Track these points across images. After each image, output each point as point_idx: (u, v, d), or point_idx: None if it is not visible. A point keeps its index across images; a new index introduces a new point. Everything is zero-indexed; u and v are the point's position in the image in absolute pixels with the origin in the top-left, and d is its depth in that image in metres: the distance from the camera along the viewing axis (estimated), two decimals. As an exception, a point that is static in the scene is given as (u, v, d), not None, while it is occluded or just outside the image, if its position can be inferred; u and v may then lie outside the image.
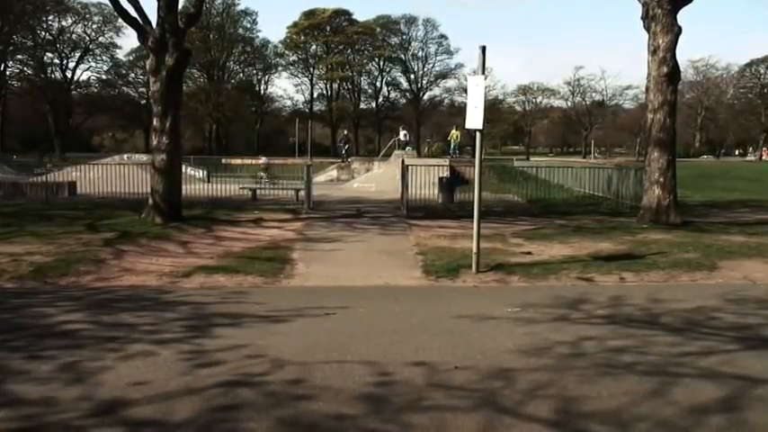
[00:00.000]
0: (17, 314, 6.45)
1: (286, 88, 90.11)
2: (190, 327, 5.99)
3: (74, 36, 68.42)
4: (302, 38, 78.70)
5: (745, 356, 5.17)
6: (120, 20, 16.85)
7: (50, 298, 7.21)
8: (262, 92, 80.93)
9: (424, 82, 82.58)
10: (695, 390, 4.46)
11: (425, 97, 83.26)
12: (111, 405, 4.11)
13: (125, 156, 32.21)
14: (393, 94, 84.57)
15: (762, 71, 77.76)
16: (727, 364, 4.98)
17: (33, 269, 8.49)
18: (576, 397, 4.30)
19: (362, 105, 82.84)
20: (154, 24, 13.18)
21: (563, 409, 4.11)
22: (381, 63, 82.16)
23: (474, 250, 8.82)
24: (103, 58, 71.13)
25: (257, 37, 79.16)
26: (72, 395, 4.27)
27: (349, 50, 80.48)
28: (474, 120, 8.52)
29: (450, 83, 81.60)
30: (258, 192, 19.18)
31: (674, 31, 13.53)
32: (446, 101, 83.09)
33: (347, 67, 79.34)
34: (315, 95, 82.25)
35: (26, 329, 5.86)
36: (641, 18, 14.04)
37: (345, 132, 47.89)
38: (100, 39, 69.38)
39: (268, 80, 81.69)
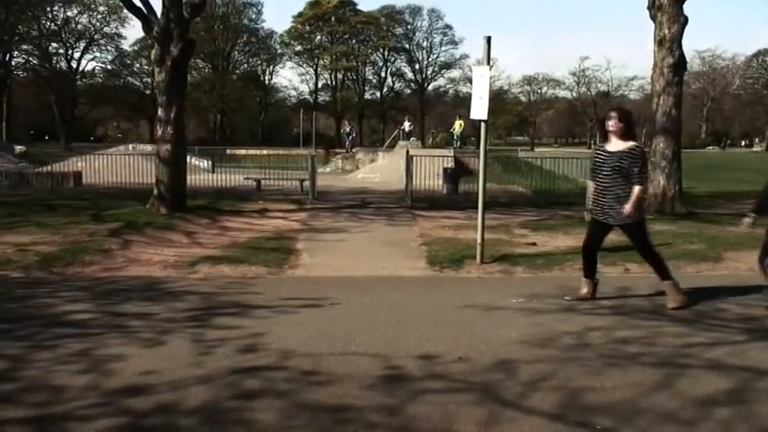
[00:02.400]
0: (23, 304, 6.48)
1: (291, 79, 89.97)
2: (194, 317, 6.00)
3: (79, 26, 68.39)
4: (307, 28, 78.54)
5: (752, 348, 5.15)
6: (124, 10, 16.83)
7: (56, 288, 7.24)
8: (266, 82, 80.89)
9: (429, 72, 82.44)
10: (701, 381, 4.45)
11: (430, 88, 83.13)
12: (118, 394, 4.13)
13: (130, 146, 32.24)
14: (397, 85, 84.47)
15: (768, 61, 77.34)
16: (734, 355, 4.96)
17: (39, 259, 8.52)
18: (580, 388, 4.30)
19: (367, 96, 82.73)
20: (159, 14, 13.15)
21: (568, 400, 4.11)
22: (386, 53, 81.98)
23: (478, 241, 8.82)
24: (108, 48, 71.16)
25: (262, 27, 79.13)
26: (78, 384, 4.29)
27: (353, 41, 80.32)
28: (479, 110, 8.49)
29: (455, 73, 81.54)
30: (263, 182, 19.19)
31: (681, 21, 13.46)
32: (451, 91, 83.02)
33: (351, 57, 79.17)
34: (319, 86, 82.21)
35: (32, 319, 5.88)
36: (647, 8, 13.97)
37: (347, 123, 47.83)
38: (105, 29, 69.37)
39: (273, 70, 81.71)
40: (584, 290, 6.79)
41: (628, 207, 6.23)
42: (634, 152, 6.24)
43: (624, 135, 6.32)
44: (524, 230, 11.43)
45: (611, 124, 6.33)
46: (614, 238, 10.49)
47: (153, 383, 4.30)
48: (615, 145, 6.36)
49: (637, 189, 6.22)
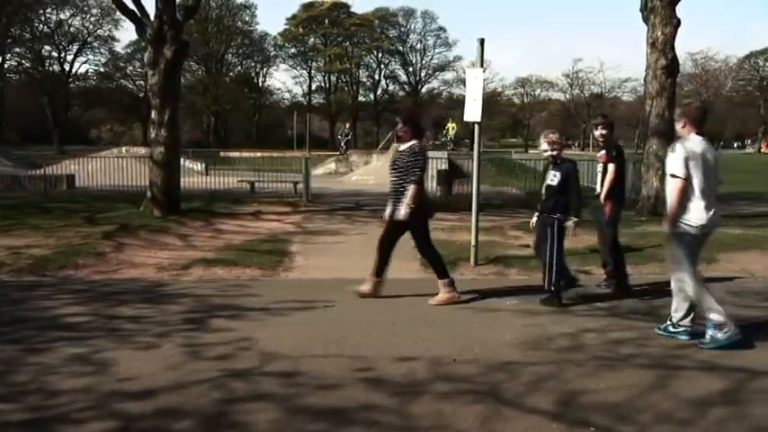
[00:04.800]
0: (17, 307, 6.45)
1: (284, 81, 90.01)
2: (189, 319, 5.99)
3: (72, 29, 68.09)
4: (300, 30, 78.48)
5: (746, 348, 5.17)
6: (118, 12, 16.79)
7: (49, 291, 7.20)
8: (260, 84, 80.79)
9: (423, 74, 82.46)
10: (694, 382, 4.47)
11: (424, 90, 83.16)
12: (112, 397, 4.12)
13: (123, 149, 32.15)
14: (391, 87, 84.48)
15: (760, 63, 77.66)
16: (728, 356, 4.99)
17: (32, 262, 8.48)
18: (575, 389, 4.31)
19: (361, 98, 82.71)
20: (152, 17, 13.13)
21: (562, 401, 4.12)
22: (380, 56, 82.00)
23: (472, 243, 8.82)
24: (102, 50, 70.86)
25: (256, 29, 79.02)
26: (72, 387, 4.28)
27: (347, 43, 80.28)
28: (472, 112, 8.51)
29: (449, 75, 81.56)
30: (257, 184, 19.17)
31: (673, 24, 13.52)
32: (444, 93, 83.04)
33: (345, 59, 79.14)
34: (313, 88, 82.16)
35: (26, 322, 5.86)
36: (640, 10, 14.03)
37: (347, 125, 47.85)
38: (98, 31, 69.06)
39: (266, 72, 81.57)
40: (367, 287, 6.89)
41: (402, 208, 6.53)
42: (412, 150, 6.57)
43: (411, 136, 6.67)
44: (518, 232, 11.43)
45: (398, 128, 6.80)
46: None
47: (147, 386, 4.29)
48: (403, 145, 6.73)
49: (411, 188, 6.48)
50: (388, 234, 6.92)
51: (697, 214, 5.23)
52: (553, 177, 6.57)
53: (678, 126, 5.53)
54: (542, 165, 7.17)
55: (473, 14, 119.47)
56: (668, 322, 5.58)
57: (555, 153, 6.61)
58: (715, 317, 5.24)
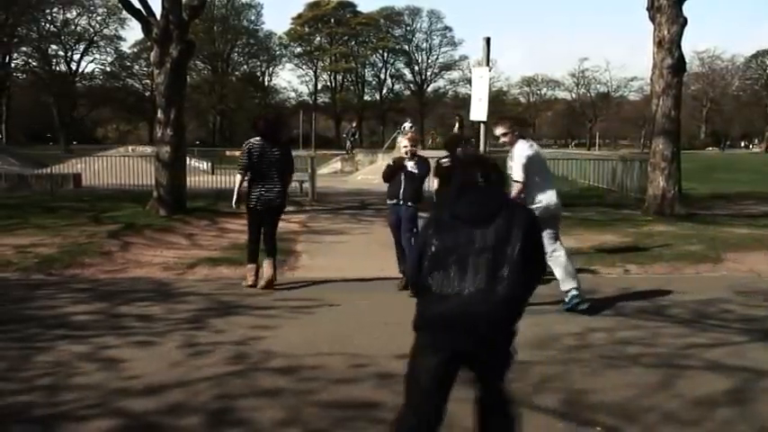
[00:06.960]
0: (23, 305, 6.47)
1: (290, 80, 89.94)
2: (194, 318, 6.00)
3: (78, 28, 68.24)
4: (306, 29, 78.55)
5: (752, 348, 5.16)
6: (124, 12, 16.82)
7: (55, 289, 7.22)
8: (266, 84, 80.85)
9: (429, 74, 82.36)
10: (701, 382, 4.45)
11: (429, 89, 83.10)
12: (117, 394, 4.13)
13: (129, 148, 32.22)
14: (397, 86, 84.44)
15: (767, 63, 77.33)
16: (734, 355, 4.97)
17: (39, 261, 8.50)
18: (581, 389, 4.29)
19: (366, 97, 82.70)
20: (158, 16, 13.14)
21: (568, 400, 4.11)
22: (385, 55, 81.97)
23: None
24: (108, 50, 70.95)
25: (261, 29, 79.10)
26: (77, 384, 4.29)
27: (353, 42, 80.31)
28: (478, 112, 8.49)
29: (455, 74, 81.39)
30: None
31: (680, 22, 13.46)
32: (450, 93, 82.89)
33: (351, 58, 79.19)
34: (319, 87, 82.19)
35: (31, 320, 5.88)
36: (647, 9, 13.96)
37: (353, 124, 47.88)
38: (104, 31, 69.17)
39: (272, 72, 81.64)
40: (252, 278, 7.34)
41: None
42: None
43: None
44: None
45: None
46: (614, 239, 10.51)
47: (152, 384, 4.30)
48: None
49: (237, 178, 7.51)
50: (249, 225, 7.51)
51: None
52: (413, 166, 7.30)
53: (507, 138, 6.49)
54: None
55: (479, 13, 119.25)
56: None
57: (414, 149, 7.46)
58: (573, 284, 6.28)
